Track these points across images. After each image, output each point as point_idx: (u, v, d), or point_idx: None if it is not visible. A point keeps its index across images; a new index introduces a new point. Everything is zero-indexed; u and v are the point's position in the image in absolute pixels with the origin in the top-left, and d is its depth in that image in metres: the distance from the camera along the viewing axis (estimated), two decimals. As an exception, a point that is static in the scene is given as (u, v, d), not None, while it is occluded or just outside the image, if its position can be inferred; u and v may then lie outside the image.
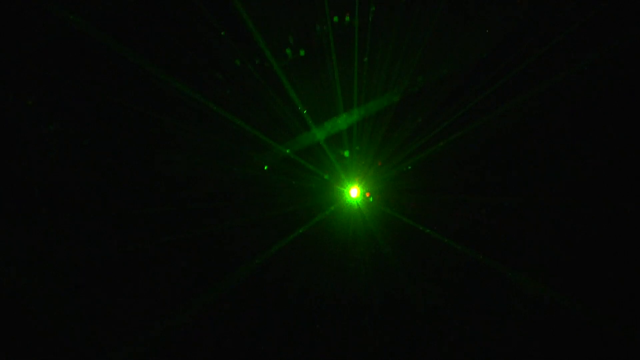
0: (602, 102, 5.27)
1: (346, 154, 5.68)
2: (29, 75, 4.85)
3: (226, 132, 5.42)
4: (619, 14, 5.01)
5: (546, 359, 5.28)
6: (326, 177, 5.72)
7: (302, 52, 5.34)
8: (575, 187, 5.35)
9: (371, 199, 5.72)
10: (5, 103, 4.83)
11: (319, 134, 5.56)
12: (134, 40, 4.94)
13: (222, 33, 4.67)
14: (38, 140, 5.03)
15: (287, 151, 5.55)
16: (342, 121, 5.51)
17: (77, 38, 4.78)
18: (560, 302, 5.21)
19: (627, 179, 5.25)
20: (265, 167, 5.52)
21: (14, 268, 4.95)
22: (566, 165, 5.39)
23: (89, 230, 5.25)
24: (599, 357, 5.16)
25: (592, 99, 5.26)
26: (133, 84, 5.09)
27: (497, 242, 5.48)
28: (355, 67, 5.36)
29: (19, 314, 4.93)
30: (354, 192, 5.71)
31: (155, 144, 5.37)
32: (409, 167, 5.53)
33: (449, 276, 5.58)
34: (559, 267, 5.34)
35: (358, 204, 5.72)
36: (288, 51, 5.34)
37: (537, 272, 5.35)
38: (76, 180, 5.22)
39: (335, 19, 5.14)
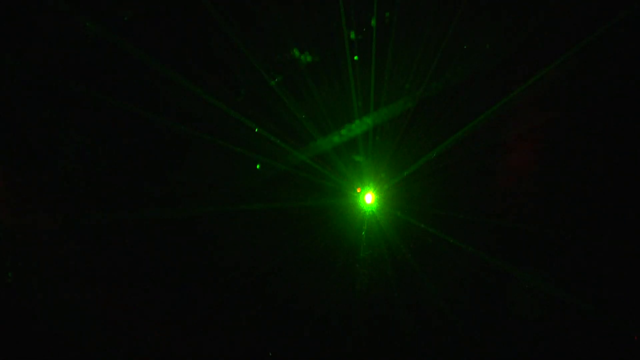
0: (622, 107, 5.34)
1: (359, 159, 5.64)
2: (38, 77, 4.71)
3: (239, 136, 5.35)
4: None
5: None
6: (341, 181, 5.68)
7: (317, 58, 5.29)
8: (595, 193, 5.44)
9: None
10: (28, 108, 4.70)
11: (334, 140, 5.52)
12: (145, 42, 4.84)
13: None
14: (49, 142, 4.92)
15: (303, 157, 5.49)
16: (357, 126, 5.47)
17: (89, 42, 4.66)
18: (577, 307, 5.32)
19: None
20: (258, 166, 5.47)
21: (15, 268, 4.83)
22: (585, 170, 5.45)
23: (94, 232, 5.19)
24: (599, 357, 5.34)
25: (612, 104, 5.32)
26: (141, 86, 4.98)
27: (513, 248, 5.56)
28: (373, 71, 5.32)
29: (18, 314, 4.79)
30: (369, 198, 5.69)
31: (167, 148, 5.27)
32: (434, 155, 5.45)
33: (465, 282, 5.64)
34: (572, 270, 5.44)
35: (373, 210, 5.71)
36: (303, 56, 5.27)
37: (551, 275, 5.45)
38: (83, 183, 5.09)
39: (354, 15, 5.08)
